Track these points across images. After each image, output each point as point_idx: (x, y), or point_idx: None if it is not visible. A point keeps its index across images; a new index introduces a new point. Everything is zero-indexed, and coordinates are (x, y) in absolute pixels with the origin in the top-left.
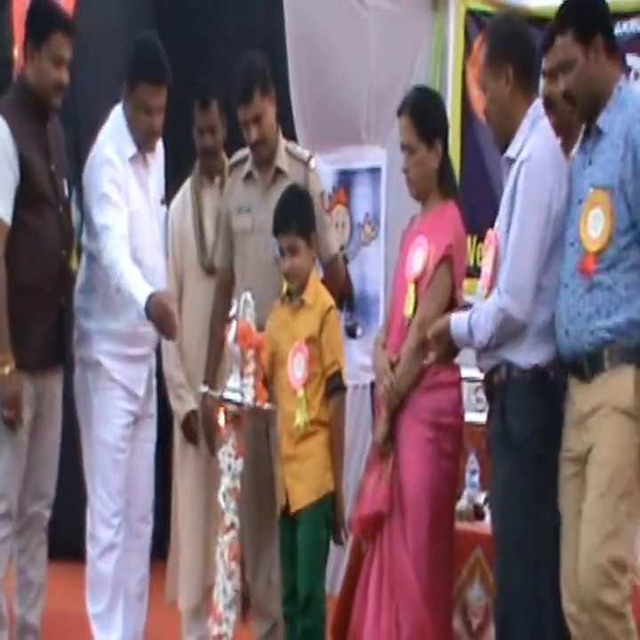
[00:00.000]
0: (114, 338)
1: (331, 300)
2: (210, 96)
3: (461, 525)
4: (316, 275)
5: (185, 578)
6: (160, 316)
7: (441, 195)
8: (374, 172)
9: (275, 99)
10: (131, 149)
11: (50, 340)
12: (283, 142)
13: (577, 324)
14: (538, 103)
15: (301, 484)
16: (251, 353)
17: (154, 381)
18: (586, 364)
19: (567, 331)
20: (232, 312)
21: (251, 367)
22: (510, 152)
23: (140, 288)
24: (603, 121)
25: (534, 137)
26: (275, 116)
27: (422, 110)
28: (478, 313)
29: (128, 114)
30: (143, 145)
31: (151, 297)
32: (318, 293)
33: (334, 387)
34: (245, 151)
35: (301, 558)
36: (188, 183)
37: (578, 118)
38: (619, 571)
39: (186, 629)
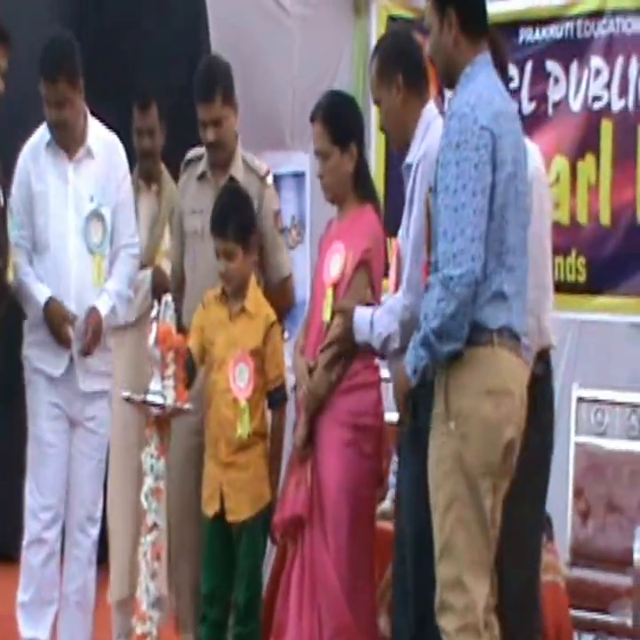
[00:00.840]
0: (36, 325)
1: (273, 313)
2: (149, 98)
3: (386, 525)
4: (255, 282)
5: (114, 572)
6: (56, 320)
7: (357, 199)
8: (299, 176)
9: (237, 108)
10: (46, 136)
11: None
12: (240, 151)
13: None
14: (430, 105)
15: (242, 495)
16: (171, 355)
17: (96, 386)
18: None
19: None
20: (153, 314)
21: (170, 369)
22: (408, 159)
23: (38, 291)
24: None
25: (428, 138)
26: (235, 123)
27: (334, 114)
28: (381, 309)
29: None
30: (53, 137)
31: (49, 300)
32: (260, 304)
33: (278, 399)
34: (201, 150)
35: (242, 569)
36: None
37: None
38: (452, 591)
39: (114, 623)
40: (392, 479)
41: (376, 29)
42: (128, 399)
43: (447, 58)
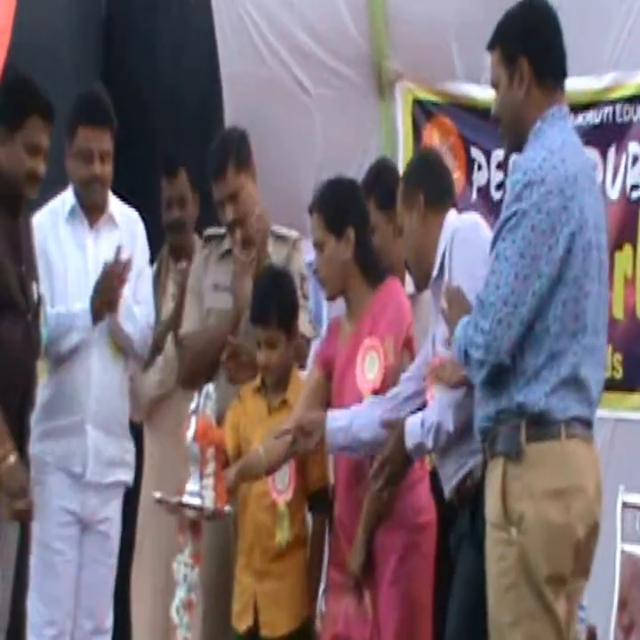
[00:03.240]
0: (41, 415)
1: None
2: (177, 164)
3: None
4: (297, 372)
5: None
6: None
7: (367, 285)
8: None
9: (254, 174)
10: (69, 202)
11: None
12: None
13: None
14: (451, 213)
15: (279, 609)
16: (211, 451)
17: (107, 478)
18: None
19: None
20: (192, 406)
21: (210, 467)
22: (435, 272)
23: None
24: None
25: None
26: (255, 191)
27: (329, 201)
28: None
29: None
30: (83, 198)
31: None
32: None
33: (320, 502)
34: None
35: None
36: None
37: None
38: None
39: None
40: None
41: (402, 113)
42: (159, 501)
43: (516, 114)
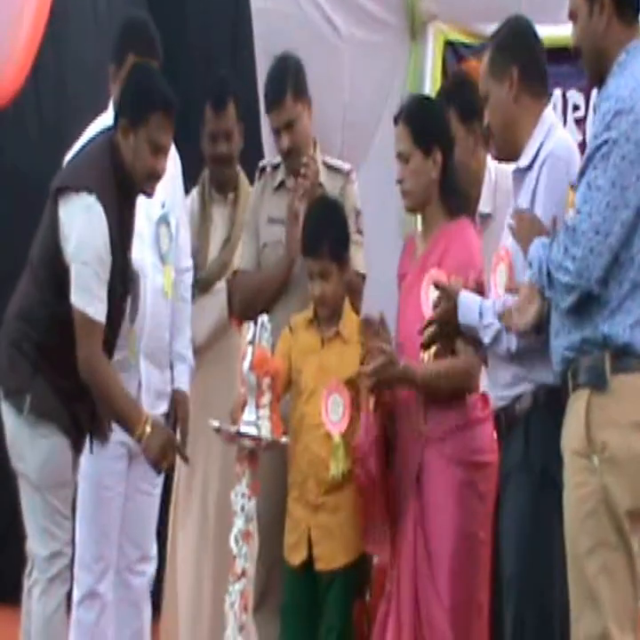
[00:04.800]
0: None
1: None
2: (226, 95)
3: None
4: (350, 305)
5: (183, 634)
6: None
7: (444, 212)
8: None
9: (310, 103)
10: None
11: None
12: (319, 155)
13: None
14: (550, 110)
15: (333, 542)
16: (267, 382)
17: (158, 409)
18: None
19: None
20: (248, 337)
21: (266, 398)
22: (521, 162)
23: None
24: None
25: (553, 139)
26: (309, 122)
27: (418, 115)
28: (493, 302)
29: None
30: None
31: None
32: (354, 328)
33: None
34: (276, 157)
35: (332, 624)
36: (193, 195)
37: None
38: None
39: None
40: None
41: (432, 55)
42: (218, 430)
43: (597, 45)
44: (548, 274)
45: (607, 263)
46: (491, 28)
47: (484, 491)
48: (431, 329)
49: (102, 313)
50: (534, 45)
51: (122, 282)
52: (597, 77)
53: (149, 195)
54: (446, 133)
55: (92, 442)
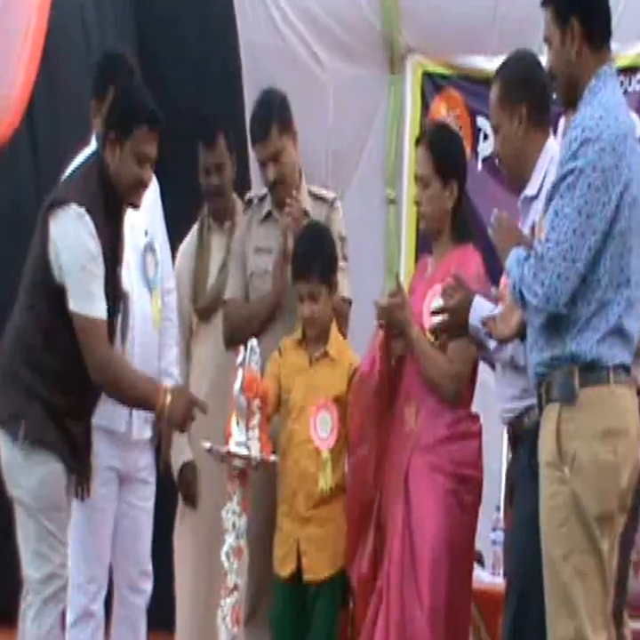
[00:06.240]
0: None
1: (357, 358)
2: (215, 131)
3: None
4: (336, 326)
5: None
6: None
7: (454, 239)
8: None
9: (296, 136)
10: None
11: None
12: (305, 185)
13: None
14: (552, 141)
15: (320, 553)
16: (256, 403)
17: (146, 434)
18: None
19: None
20: (238, 360)
21: (256, 419)
22: (528, 191)
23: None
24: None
25: (553, 169)
26: (295, 154)
27: (441, 145)
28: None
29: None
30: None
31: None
32: (342, 348)
33: None
34: (263, 190)
35: (318, 632)
36: (194, 228)
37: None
38: None
39: None
40: None
41: (411, 86)
42: (210, 450)
43: (570, 72)
44: (521, 293)
45: (574, 287)
46: (466, 59)
47: (467, 502)
48: (442, 317)
49: (103, 310)
50: (542, 82)
51: (113, 298)
52: (571, 102)
53: (136, 206)
54: (463, 167)
55: (79, 489)
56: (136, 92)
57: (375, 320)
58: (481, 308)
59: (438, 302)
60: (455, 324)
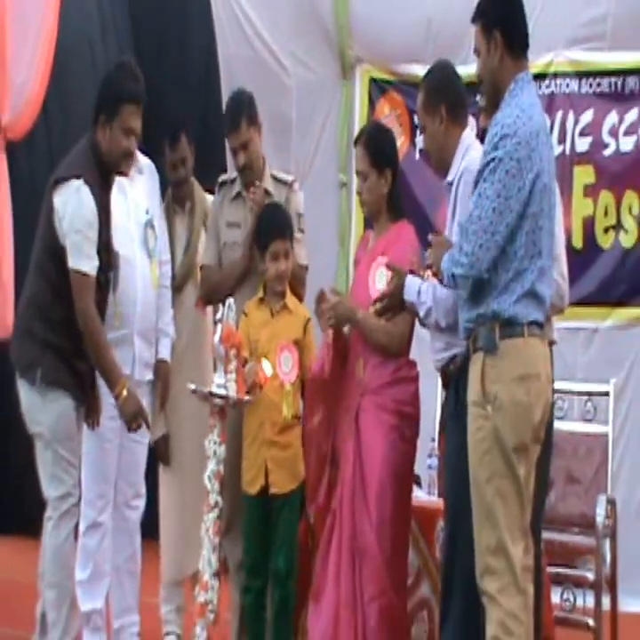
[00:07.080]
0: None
1: (309, 312)
2: (178, 130)
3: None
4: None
5: (166, 555)
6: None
7: (391, 218)
8: None
9: (261, 128)
10: None
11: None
12: (268, 170)
13: None
14: (467, 131)
15: (284, 471)
16: (233, 352)
17: (148, 376)
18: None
19: None
20: (217, 316)
21: (232, 364)
22: (449, 177)
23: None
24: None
25: (467, 157)
26: (260, 144)
27: (374, 141)
28: (429, 284)
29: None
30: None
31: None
32: (296, 303)
33: None
34: (234, 173)
35: (283, 539)
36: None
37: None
38: (494, 556)
39: (164, 599)
40: None
41: (360, 90)
42: (194, 391)
43: (493, 77)
44: (452, 275)
45: (494, 256)
46: (406, 68)
47: (408, 435)
48: (383, 302)
49: (94, 268)
50: (458, 86)
51: (106, 254)
52: (494, 103)
53: (125, 174)
54: (395, 157)
55: (89, 421)
56: (119, 75)
57: (322, 329)
58: (412, 284)
59: (382, 282)
60: (396, 304)
